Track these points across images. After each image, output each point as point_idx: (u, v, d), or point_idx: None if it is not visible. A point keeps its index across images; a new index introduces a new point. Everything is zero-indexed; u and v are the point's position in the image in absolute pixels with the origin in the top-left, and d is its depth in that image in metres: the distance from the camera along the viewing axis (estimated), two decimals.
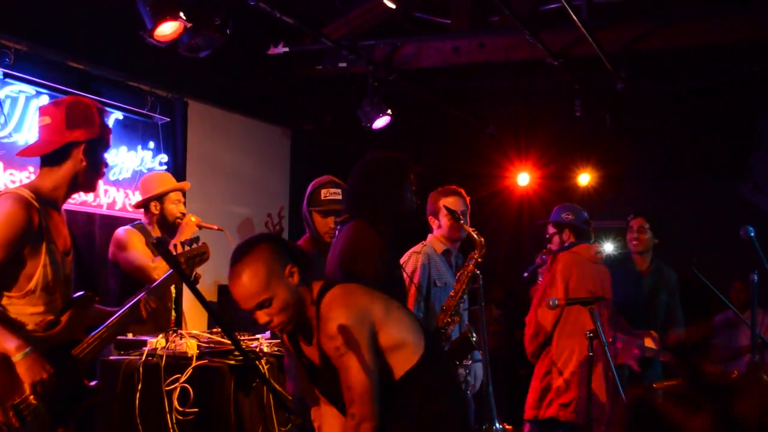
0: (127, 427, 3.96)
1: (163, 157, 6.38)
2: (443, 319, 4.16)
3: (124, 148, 6.03)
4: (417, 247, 4.74)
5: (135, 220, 5.20)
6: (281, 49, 6.90)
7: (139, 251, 4.83)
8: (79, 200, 5.65)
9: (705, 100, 8.82)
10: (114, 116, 5.94)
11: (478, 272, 4.32)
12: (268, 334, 4.73)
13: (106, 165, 3.35)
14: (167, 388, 3.93)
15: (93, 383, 3.04)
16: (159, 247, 2.11)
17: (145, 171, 6.20)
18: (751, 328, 3.94)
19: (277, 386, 4.08)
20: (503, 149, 9.89)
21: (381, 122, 7.13)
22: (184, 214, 5.00)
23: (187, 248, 3.75)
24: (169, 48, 5.08)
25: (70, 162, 3.19)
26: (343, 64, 7.10)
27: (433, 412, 2.83)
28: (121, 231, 4.95)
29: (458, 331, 4.38)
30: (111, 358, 4.23)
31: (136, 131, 6.21)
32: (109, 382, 3.97)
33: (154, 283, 3.52)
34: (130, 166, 6.07)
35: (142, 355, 4.07)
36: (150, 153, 6.27)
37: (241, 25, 6.20)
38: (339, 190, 4.14)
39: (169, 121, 6.47)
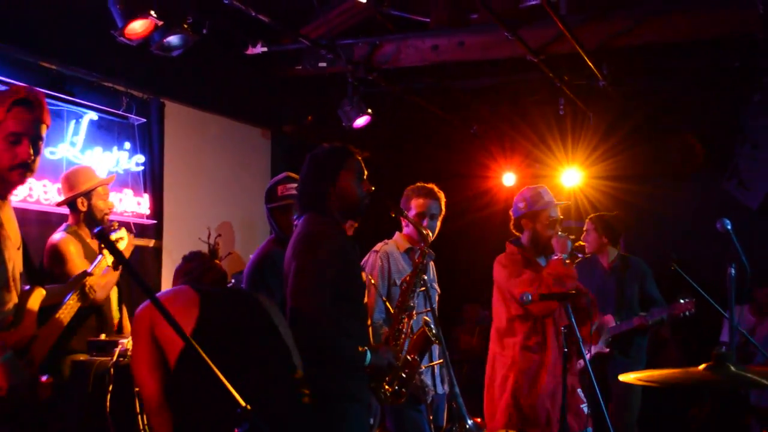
0: (97, 428, 3.92)
1: (140, 158, 6.31)
2: (398, 315, 3.99)
3: (99, 149, 5.95)
4: (377, 246, 4.68)
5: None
6: (259, 49, 6.85)
7: (78, 265, 4.50)
8: (40, 198, 5.48)
9: (687, 96, 8.80)
10: (88, 117, 5.88)
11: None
12: None
13: (32, 152, 2.95)
14: (138, 389, 3.89)
15: (44, 378, 2.95)
16: (101, 238, 2.07)
17: (122, 172, 6.14)
18: (729, 321, 3.91)
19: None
20: (488, 149, 9.85)
21: (361, 122, 7.09)
22: (111, 210, 4.88)
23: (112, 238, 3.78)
24: (142, 47, 5.02)
25: None
26: (322, 64, 7.07)
27: None
28: (56, 239, 4.66)
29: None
30: (82, 359, 4.19)
31: (111, 132, 6.14)
32: (80, 382, 3.94)
33: (90, 268, 3.68)
34: (106, 167, 5.98)
35: (113, 356, 4.04)
36: (126, 154, 6.21)
37: (219, 24, 6.15)
38: (295, 185, 3.94)
39: (146, 122, 6.41)
